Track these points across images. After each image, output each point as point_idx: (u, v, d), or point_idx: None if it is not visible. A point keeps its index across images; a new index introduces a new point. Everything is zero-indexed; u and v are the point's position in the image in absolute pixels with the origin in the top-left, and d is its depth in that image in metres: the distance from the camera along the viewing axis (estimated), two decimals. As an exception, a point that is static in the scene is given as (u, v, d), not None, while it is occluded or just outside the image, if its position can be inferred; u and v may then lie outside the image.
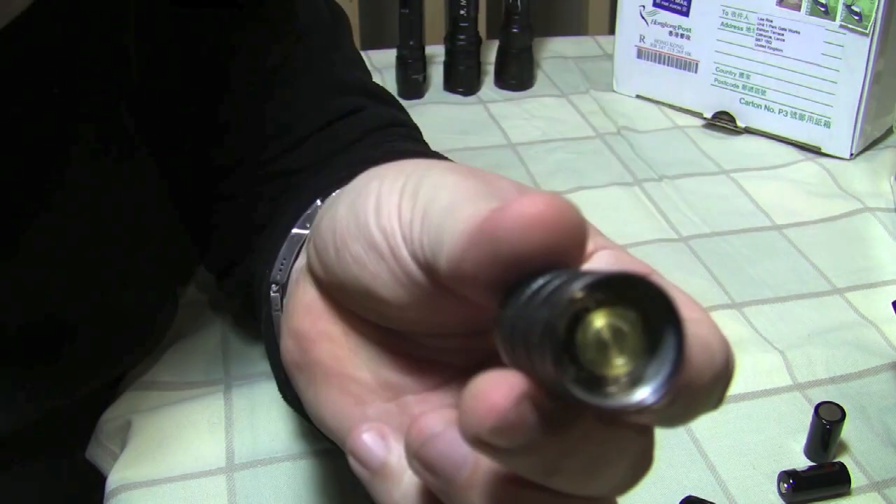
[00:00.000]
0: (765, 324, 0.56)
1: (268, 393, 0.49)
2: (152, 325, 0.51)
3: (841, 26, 0.70)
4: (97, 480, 0.47)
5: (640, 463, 0.24)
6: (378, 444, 0.26)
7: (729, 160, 0.74)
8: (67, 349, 0.45)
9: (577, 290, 0.19)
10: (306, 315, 0.31)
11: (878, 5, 0.68)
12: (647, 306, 0.19)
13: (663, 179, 0.71)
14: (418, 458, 0.24)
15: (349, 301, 0.30)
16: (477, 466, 0.23)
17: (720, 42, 0.77)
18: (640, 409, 0.19)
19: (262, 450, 0.46)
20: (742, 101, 0.77)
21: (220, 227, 0.49)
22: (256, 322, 0.43)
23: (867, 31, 0.69)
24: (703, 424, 0.49)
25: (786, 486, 0.44)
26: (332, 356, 0.30)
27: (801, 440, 0.47)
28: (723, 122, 0.78)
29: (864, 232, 0.65)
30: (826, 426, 0.46)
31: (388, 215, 0.27)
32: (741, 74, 0.77)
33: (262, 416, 0.48)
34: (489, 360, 0.27)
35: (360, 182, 0.29)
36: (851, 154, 0.73)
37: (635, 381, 0.19)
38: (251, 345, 0.53)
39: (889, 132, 0.77)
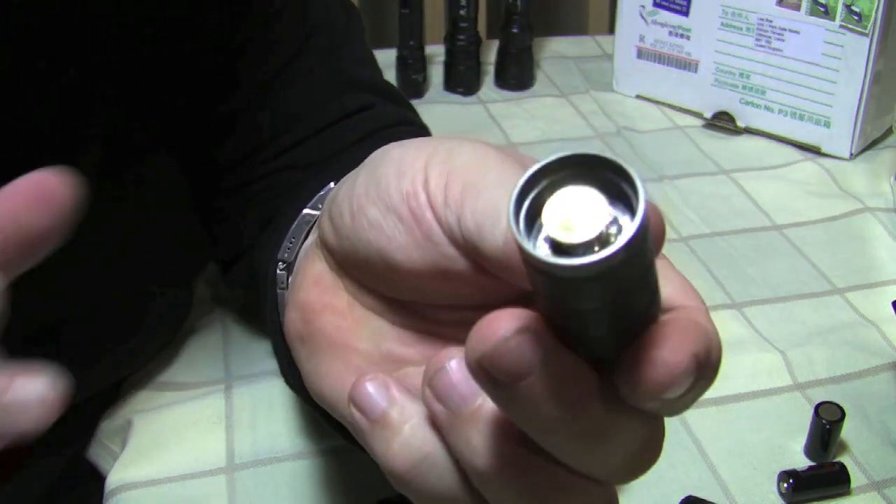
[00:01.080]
0: (765, 324, 0.56)
1: (269, 392, 0.49)
2: (167, 322, 0.51)
3: (841, 26, 0.70)
4: (97, 480, 0.47)
5: (647, 450, 0.24)
6: (381, 393, 0.26)
7: (729, 160, 0.74)
8: (85, 351, 0.45)
9: (548, 160, 0.20)
10: (313, 287, 0.32)
11: (877, 5, 0.68)
12: (616, 186, 0.20)
13: (663, 179, 0.71)
14: (430, 385, 0.24)
15: (359, 271, 0.30)
16: (483, 404, 0.23)
17: (720, 42, 0.77)
18: (580, 269, 0.19)
19: (262, 450, 0.46)
20: (742, 101, 0.77)
21: (223, 222, 0.49)
22: (258, 313, 0.43)
23: (867, 32, 0.69)
24: (703, 424, 0.49)
25: (786, 486, 0.44)
26: (336, 327, 0.31)
27: (801, 440, 0.47)
28: (722, 123, 0.78)
29: (864, 232, 0.65)
30: (826, 426, 0.46)
31: (412, 179, 0.27)
32: (741, 74, 0.77)
33: (262, 416, 0.48)
34: None
35: (379, 152, 0.30)
36: (851, 154, 0.73)
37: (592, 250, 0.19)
38: (252, 344, 0.53)
39: (889, 132, 0.77)
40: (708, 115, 0.79)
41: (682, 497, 0.44)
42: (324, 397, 0.31)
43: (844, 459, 0.46)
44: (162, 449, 0.46)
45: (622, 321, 0.21)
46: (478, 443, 0.23)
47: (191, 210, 0.50)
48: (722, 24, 0.76)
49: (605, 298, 0.20)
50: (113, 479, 0.45)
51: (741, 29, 0.75)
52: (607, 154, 0.20)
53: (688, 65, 0.80)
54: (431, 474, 0.25)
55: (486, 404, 0.23)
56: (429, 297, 0.29)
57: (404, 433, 0.25)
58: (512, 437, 0.23)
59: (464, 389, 0.24)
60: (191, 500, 0.44)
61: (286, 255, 0.36)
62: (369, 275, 0.30)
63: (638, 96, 0.83)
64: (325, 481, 0.45)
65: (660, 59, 0.81)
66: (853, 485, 0.45)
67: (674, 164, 0.73)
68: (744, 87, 0.77)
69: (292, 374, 0.37)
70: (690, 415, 0.49)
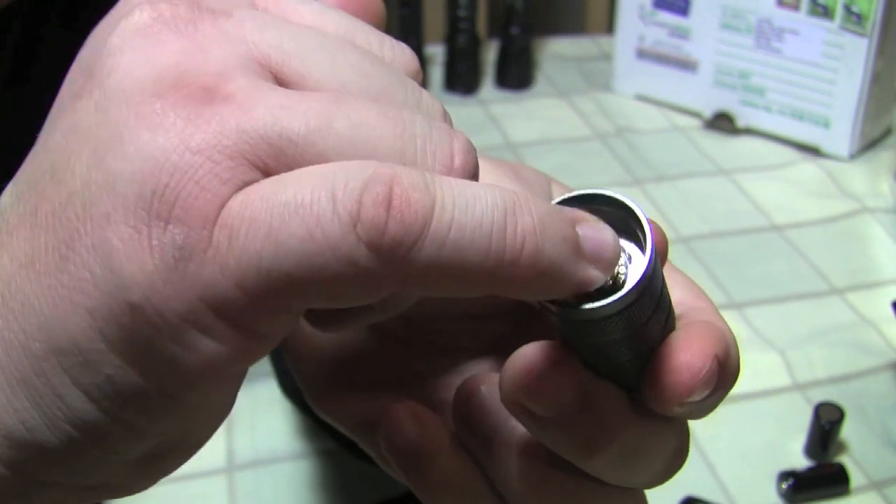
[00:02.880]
0: (765, 324, 0.56)
1: (269, 392, 0.49)
2: None
3: (840, 27, 0.70)
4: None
5: (678, 455, 0.24)
6: (411, 422, 0.25)
7: (728, 161, 0.74)
8: None
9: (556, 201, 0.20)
10: None
11: (876, 6, 0.68)
12: (620, 217, 0.20)
13: (663, 180, 0.71)
14: (461, 413, 0.24)
15: None
16: (515, 428, 0.23)
17: (720, 42, 0.77)
18: (598, 313, 0.19)
19: (262, 450, 0.46)
20: (741, 101, 0.77)
21: None
22: None
23: (866, 32, 0.69)
24: (703, 424, 0.49)
25: (786, 485, 0.45)
26: (338, 346, 0.30)
27: (801, 440, 0.47)
28: (721, 125, 0.78)
29: (863, 232, 0.65)
30: (826, 426, 0.46)
31: None
32: (741, 75, 0.77)
33: (262, 416, 0.48)
34: (500, 344, 0.28)
35: None
36: (850, 154, 0.73)
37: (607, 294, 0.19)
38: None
39: (887, 133, 0.77)
40: (707, 115, 0.79)
41: (682, 497, 0.44)
42: (329, 416, 0.30)
43: (844, 459, 0.46)
44: (162, 449, 0.46)
45: (643, 344, 0.21)
46: (513, 466, 0.23)
47: None
48: (721, 24, 0.76)
49: (623, 331, 0.20)
50: (113, 479, 0.45)
51: (741, 29, 0.75)
52: (608, 191, 0.20)
53: (687, 65, 0.80)
54: (470, 500, 0.25)
55: (518, 428, 0.23)
56: (429, 310, 0.29)
57: (439, 462, 0.25)
58: (546, 458, 0.23)
59: (495, 415, 0.24)
60: (191, 500, 0.44)
61: None
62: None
63: (638, 96, 0.83)
64: (324, 481, 0.45)
65: (659, 59, 0.81)
66: (852, 485, 0.45)
67: (673, 165, 0.73)
68: (743, 88, 0.77)
69: (289, 382, 0.36)
70: (690, 415, 0.49)
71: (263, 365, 0.51)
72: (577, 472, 0.23)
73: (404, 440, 0.25)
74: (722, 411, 0.49)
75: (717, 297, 0.58)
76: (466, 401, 0.24)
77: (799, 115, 0.75)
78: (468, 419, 0.24)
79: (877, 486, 0.45)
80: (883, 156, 0.74)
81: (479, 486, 0.25)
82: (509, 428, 0.23)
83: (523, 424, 0.22)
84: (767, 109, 0.76)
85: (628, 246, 0.20)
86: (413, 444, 0.25)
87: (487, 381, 0.24)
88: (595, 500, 0.24)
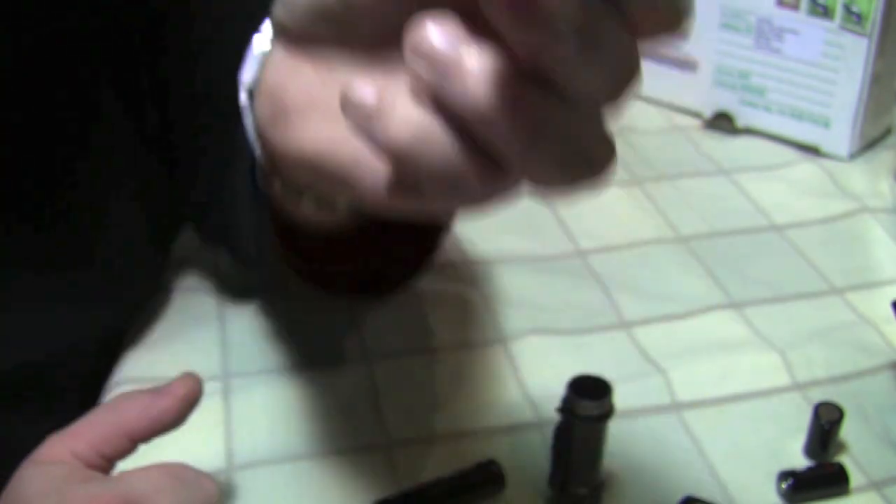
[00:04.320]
0: (764, 324, 0.56)
1: (269, 392, 0.50)
2: (136, 271, 0.52)
3: (840, 27, 0.70)
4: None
5: (631, 62, 0.25)
6: (367, 89, 0.26)
7: (728, 160, 0.74)
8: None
9: None
10: (276, 69, 0.33)
11: (876, 6, 0.68)
12: None
13: (662, 180, 0.71)
14: (414, 44, 0.25)
15: (317, 33, 0.31)
16: (479, 49, 0.24)
17: (720, 42, 0.77)
18: None
19: (262, 450, 0.46)
20: (741, 101, 0.77)
21: (189, 173, 0.51)
22: (239, 264, 0.45)
23: (866, 32, 0.69)
24: (703, 424, 0.49)
25: (785, 485, 0.45)
26: (307, 92, 0.32)
27: (801, 440, 0.47)
28: (720, 125, 0.78)
29: (863, 232, 0.65)
30: (825, 426, 0.46)
31: None
32: (740, 74, 0.77)
33: (262, 416, 0.48)
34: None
35: None
36: (850, 154, 0.73)
37: None
38: (252, 343, 0.53)
39: (887, 133, 0.77)
40: (707, 115, 0.79)
41: (682, 497, 0.44)
42: (312, 161, 0.31)
43: (843, 459, 0.46)
44: (161, 449, 0.46)
45: None
46: (475, 83, 0.24)
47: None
48: (721, 24, 0.76)
49: None
50: (113, 479, 0.45)
51: (740, 29, 0.75)
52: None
53: (687, 65, 0.80)
54: (432, 139, 0.25)
55: (474, 50, 0.24)
56: (391, 25, 0.29)
57: (398, 108, 0.26)
58: (508, 72, 0.24)
59: (455, 38, 0.24)
60: (191, 500, 0.44)
61: (248, 82, 0.36)
62: (329, 31, 0.31)
63: (637, 96, 0.83)
64: (323, 482, 0.45)
65: (659, 59, 0.81)
66: (852, 484, 0.45)
67: (673, 165, 0.73)
68: (743, 88, 0.77)
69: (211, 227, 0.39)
70: (690, 415, 0.49)
71: (263, 364, 0.51)
72: (545, 87, 0.24)
73: (362, 105, 0.26)
74: (721, 411, 0.49)
75: (716, 297, 0.58)
76: (415, 31, 0.25)
77: (799, 115, 0.75)
78: (421, 47, 0.25)
79: (877, 486, 0.45)
80: (883, 156, 0.74)
81: (439, 126, 0.25)
82: (472, 48, 0.24)
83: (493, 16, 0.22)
84: (767, 109, 0.76)
85: None
86: (371, 105, 0.26)
87: (440, 14, 0.24)
88: (560, 115, 0.24)
